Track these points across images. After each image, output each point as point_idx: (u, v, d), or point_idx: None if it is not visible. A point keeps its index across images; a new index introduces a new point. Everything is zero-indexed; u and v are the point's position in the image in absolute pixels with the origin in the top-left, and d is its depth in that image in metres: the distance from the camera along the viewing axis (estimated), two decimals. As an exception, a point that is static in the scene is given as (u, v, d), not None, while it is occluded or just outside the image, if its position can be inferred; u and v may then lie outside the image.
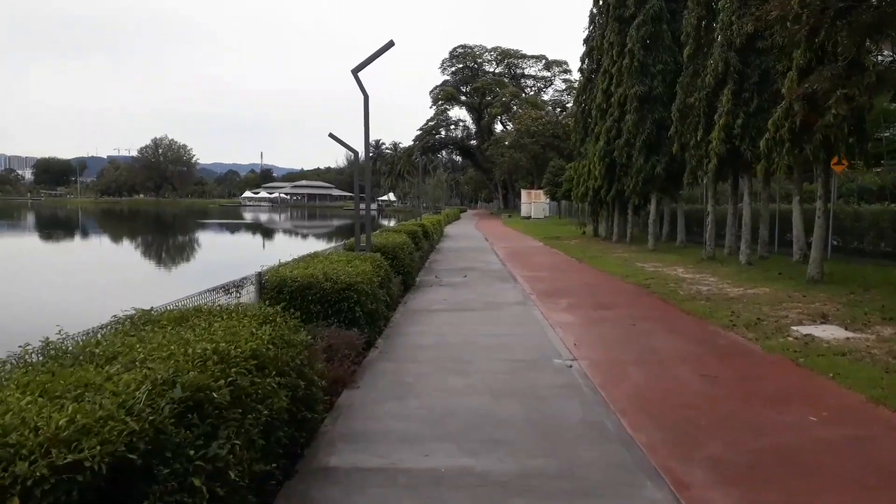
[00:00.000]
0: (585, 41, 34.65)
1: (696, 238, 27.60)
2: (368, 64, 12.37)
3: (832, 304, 12.31)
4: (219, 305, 5.63)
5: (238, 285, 8.23)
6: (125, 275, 27.05)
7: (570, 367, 7.91)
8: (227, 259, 36.90)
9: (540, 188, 67.97)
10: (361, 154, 13.54)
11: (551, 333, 9.84)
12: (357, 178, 13.60)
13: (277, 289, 8.38)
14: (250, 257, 30.75)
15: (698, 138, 19.76)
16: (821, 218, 14.60)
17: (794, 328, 10.24)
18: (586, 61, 34.51)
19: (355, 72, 12.60)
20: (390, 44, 12.34)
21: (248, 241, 55.64)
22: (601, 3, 31.52)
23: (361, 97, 12.30)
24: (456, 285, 15.86)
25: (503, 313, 11.77)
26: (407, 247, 15.43)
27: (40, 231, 63.95)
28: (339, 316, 8.42)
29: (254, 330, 4.79)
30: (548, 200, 66.81)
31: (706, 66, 19.41)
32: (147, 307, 5.30)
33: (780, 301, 12.75)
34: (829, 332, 9.96)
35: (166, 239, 56.12)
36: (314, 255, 10.77)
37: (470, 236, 38.52)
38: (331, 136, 13.37)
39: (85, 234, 62.61)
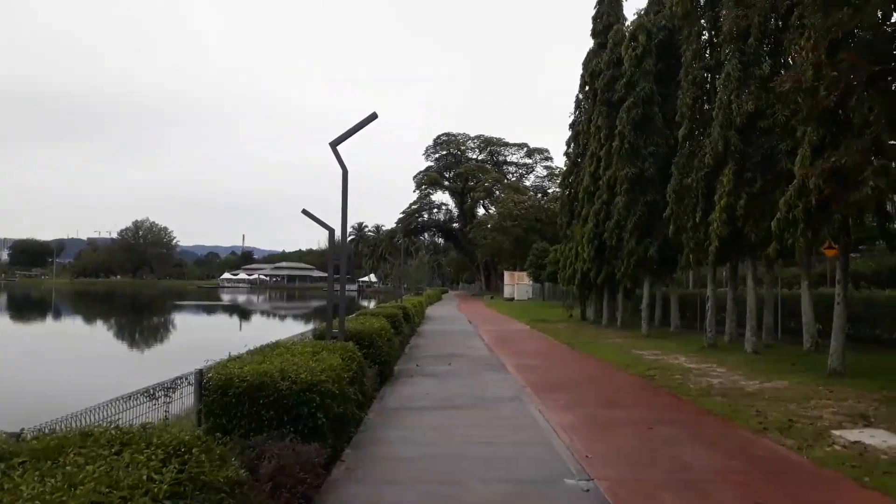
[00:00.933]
0: (571, 126, 34.43)
1: (690, 323, 26.30)
2: (349, 137, 11.31)
3: (866, 401, 10.86)
4: (115, 428, 4.00)
5: (169, 387, 6.62)
6: (56, 362, 24.82)
7: (588, 490, 6.29)
8: (185, 344, 34.64)
9: (523, 270, 67.03)
10: (338, 232, 12.19)
11: (556, 441, 8.22)
12: (332, 257, 12.20)
13: (222, 390, 6.78)
14: (212, 343, 28.77)
15: (696, 220, 18.76)
16: (840, 304, 13.35)
17: (836, 433, 8.73)
18: (572, 145, 34.16)
19: (334, 145, 11.50)
20: (373, 116, 11.28)
21: (215, 324, 53.31)
22: (587, 88, 31.40)
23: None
24: (440, 375, 14.21)
25: (496, 412, 10.13)
26: (385, 332, 13.88)
27: None
28: (298, 424, 6.79)
29: (152, 474, 3.20)
30: (531, 282, 65.76)
31: (703, 146, 18.64)
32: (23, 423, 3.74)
33: (806, 397, 11.27)
34: (880, 439, 8.46)
35: (123, 321, 53.42)
36: (275, 346, 9.18)
37: (453, 318, 36.94)
38: (304, 212, 12.04)
39: (38, 315, 59.76)
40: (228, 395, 6.78)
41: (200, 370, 7.02)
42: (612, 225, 25.01)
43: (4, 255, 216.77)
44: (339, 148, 11.04)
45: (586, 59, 30.72)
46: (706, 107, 19.98)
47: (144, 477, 3.12)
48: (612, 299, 30.72)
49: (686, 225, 19.41)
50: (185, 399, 6.88)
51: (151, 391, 6.06)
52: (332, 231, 12.17)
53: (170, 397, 6.32)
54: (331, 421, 7.19)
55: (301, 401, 6.82)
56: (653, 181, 23.66)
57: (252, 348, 8.67)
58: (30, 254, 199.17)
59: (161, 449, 3.57)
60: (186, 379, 6.89)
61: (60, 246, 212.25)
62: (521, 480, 6.63)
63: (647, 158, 23.70)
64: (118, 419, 5.24)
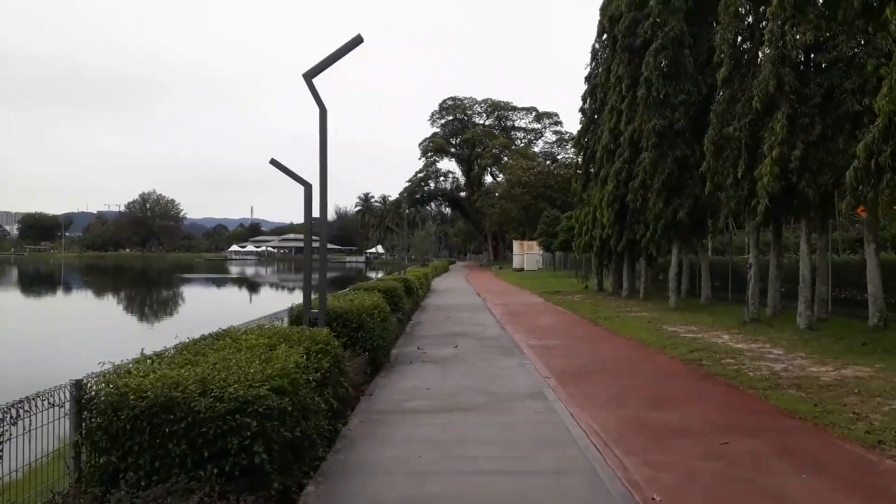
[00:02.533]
0: (587, 79, 31.64)
1: (719, 294, 23.91)
2: (327, 66, 8.99)
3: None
4: None
5: (24, 407, 4.37)
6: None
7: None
8: (178, 317, 32.77)
9: (533, 239, 64.55)
10: (316, 188, 9.84)
11: (602, 467, 5.91)
12: (308, 220, 9.85)
13: (111, 413, 4.53)
14: (212, 315, 26.70)
15: (738, 175, 16.24)
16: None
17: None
18: (588, 101, 31.42)
19: (309, 77, 9.15)
20: (357, 39, 8.87)
21: (218, 296, 51.45)
22: (605, 36, 28.55)
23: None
24: (444, 361, 11.93)
25: (514, 417, 7.83)
26: (380, 312, 11.57)
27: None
28: (224, 462, 4.52)
29: None
30: (541, 252, 63.30)
31: (748, 90, 16.04)
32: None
33: (904, 390, 8.94)
34: None
35: (125, 293, 52.05)
36: (223, 335, 6.89)
37: (460, 291, 34.67)
38: (273, 162, 9.67)
39: (42, 289, 58.14)
40: (120, 420, 4.52)
41: (79, 381, 4.73)
42: (636, 185, 22.47)
43: (13, 230, 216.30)
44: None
45: (604, 2, 27.83)
46: (746, 45, 17.34)
47: None
48: (631, 268, 28.32)
49: (726, 182, 16.90)
50: (56, 430, 4.59)
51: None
52: (308, 186, 9.82)
53: (11, 419, 4.04)
54: (280, 451, 4.92)
55: (228, 428, 4.53)
56: (682, 134, 21.09)
57: (185, 341, 6.38)
58: (38, 228, 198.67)
59: None
60: (63, 389, 4.65)
61: (69, 220, 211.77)
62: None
63: (677, 108, 21.07)
64: None
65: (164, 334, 7.88)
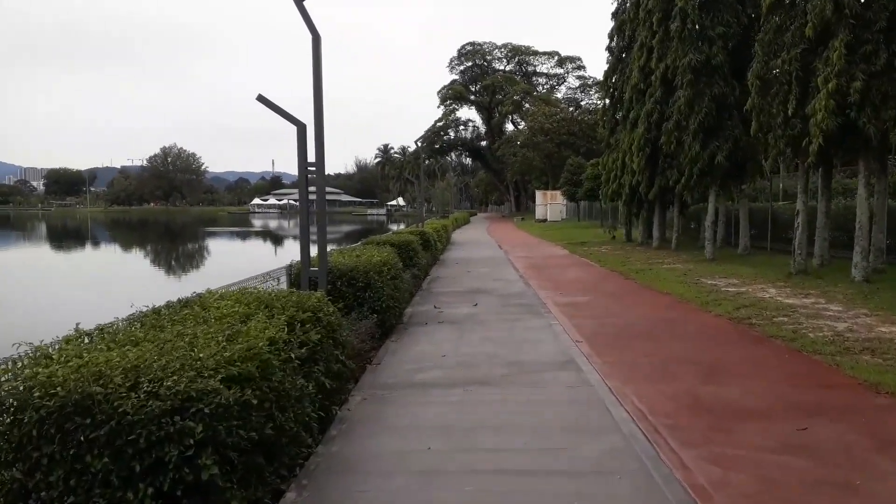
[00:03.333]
0: (614, 15, 29.45)
1: (758, 243, 22.38)
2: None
3: None
4: None
5: None
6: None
7: None
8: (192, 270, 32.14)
9: (556, 189, 62.74)
10: (311, 127, 8.58)
11: (658, 466, 4.72)
12: (302, 164, 8.61)
13: (13, 415, 3.44)
14: (232, 268, 25.88)
15: (789, 113, 14.58)
16: None
17: None
18: (615, 38, 29.31)
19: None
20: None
21: (243, 249, 51.01)
22: (633, -34, 26.36)
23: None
24: (462, 322, 10.78)
25: (544, 394, 6.65)
26: (390, 269, 10.40)
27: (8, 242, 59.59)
28: (162, 478, 3.40)
29: None
30: (565, 202, 61.50)
31: (798, 16, 14.26)
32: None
33: None
34: None
35: (148, 247, 51.97)
36: (191, 302, 5.74)
37: (481, 243, 33.43)
38: (260, 99, 8.38)
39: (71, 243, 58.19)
40: (25, 424, 3.41)
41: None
42: (669, 127, 20.77)
43: (40, 185, 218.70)
44: None
45: (634, -72, 25.57)
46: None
47: None
48: (662, 217, 26.79)
49: (773, 120, 15.25)
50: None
51: None
52: (301, 127, 8.55)
53: None
54: (243, 458, 3.80)
55: (165, 434, 3.40)
56: (721, 70, 19.30)
57: (138, 311, 5.26)
58: (63, 183, 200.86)
59: None
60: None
61: (93, 175, 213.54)
62: None
63: (715, 42, 19.23)
64: None
65: (176, 290, 6.85)
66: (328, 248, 11.27)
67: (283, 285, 9.08)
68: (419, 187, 31.45)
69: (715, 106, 19.26)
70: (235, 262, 35.14)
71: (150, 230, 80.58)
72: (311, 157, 8.71)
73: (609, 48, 29.55)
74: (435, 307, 12.43)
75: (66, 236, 68.78)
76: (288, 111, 8.55)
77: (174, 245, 55.21)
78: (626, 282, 16.37)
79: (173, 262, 41.06)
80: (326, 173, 9.18)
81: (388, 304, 9.74)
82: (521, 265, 20.90)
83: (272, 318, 5.18)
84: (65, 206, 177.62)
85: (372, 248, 11.65)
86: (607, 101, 30.19)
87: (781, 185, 26.16)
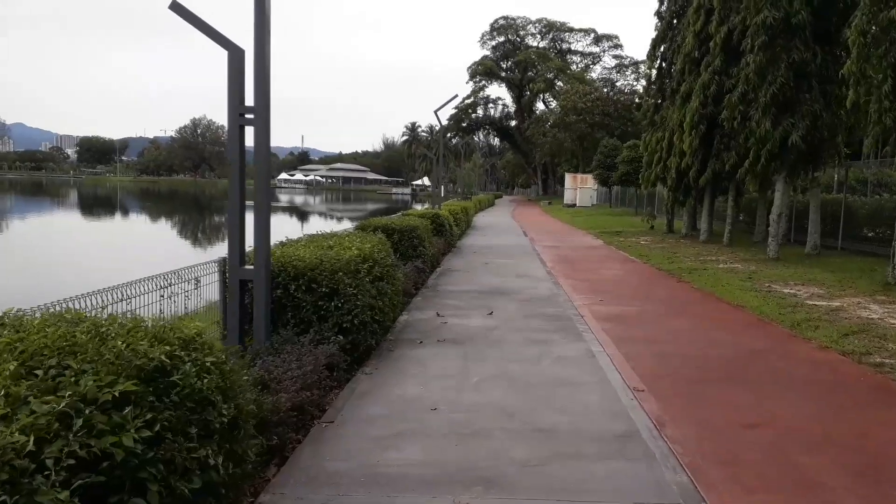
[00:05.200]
0: (664, -26, 26.04)
1: (826, 241, 19.04)
2: None
3: None
4: None
5: None
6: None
7: None
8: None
9: (587, 172, 59.25)
10: (249, 52, 5.72)
11: None
12: (234, 107, 5.77)
13: None
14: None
15: (903, 77, 11.36)
16: None
17: None
18: (665, 1, 25.92)
19: None
20: None
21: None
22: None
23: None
24: (470, 342, 7.89)
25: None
26: (373, 267, 7.51)
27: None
28: None
29: None
30: (596, 186, 57.98)
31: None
32: None
33: None
34: None
35: (169, 219, 50.13)
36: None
37: (504, 229, 30.43)
38: (174, 7, 5.51)
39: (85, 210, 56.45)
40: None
41: None
42: (733, 99, 17.47)
43: (73, 153, 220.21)
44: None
45: None
46: None
47: None
48: (711, 206, 23.51)
49: (881, 86, 12.00)
50: None
51: None
52: (236, 52, 5.69)
53: None
54: None
55: None
56: (802, 31, 15.94)
57: None
58: (95, 151, 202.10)
59: None
60: None
61: (125, 144, 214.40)
62: None
63: (797, -4, 15.87)
64: None
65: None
66: (299, 236, 8.47)
67: (211, 290, 6.29)
68: (436, 166, 28.44)
69: (792, 75, 15.95)
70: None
71: (171, 202, 79.20)
72: (250, 100, 5.87)
73: (658, 13, 26.09)
74: (438, 314, 9.56)
75: (88, 204, 67.60)
76: (231, 39, 5.70)
77: (176, 219, 53.20)
78: (680, 285, 13.32)
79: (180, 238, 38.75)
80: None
81: (365, 319, 6.88)
82: (549, 257, 17.93)
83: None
84: (96, 175, 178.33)
85: (354, 236, 8.75)
86: (654, 72, 26.80)
87: (843, 175, 22.73)
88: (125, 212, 61.28)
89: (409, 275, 10.52)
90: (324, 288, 6.52)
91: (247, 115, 5.92)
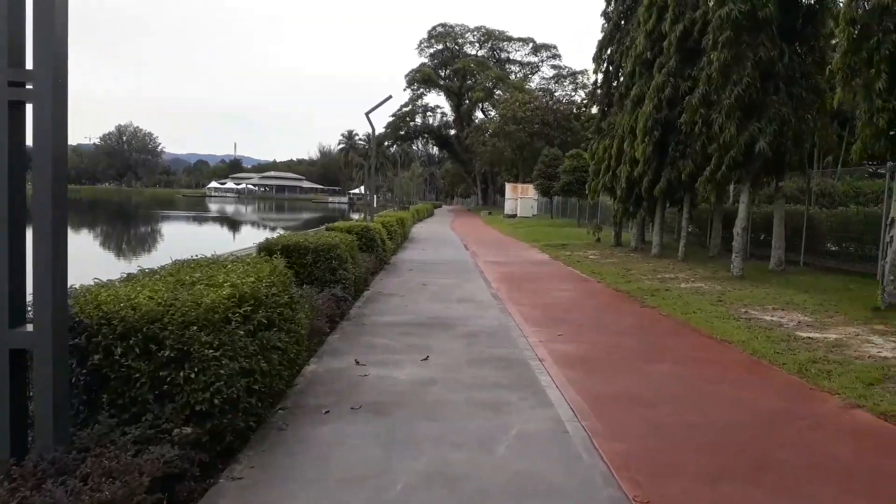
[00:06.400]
0: (611, -27, 24.67)
1: (790, 256, 17.72)
2: None
3: None
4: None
5: None
6: None
7: None
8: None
9: (528, 182, 58.06)
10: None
11: None
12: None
13: None
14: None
15: (898, 74, 9.87)
16: None
17: None
18: (613, 1, 24.52)
19: None
20: None
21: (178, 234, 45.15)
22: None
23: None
24: (396, 410, 5.70)
25: None
26: (264, 310, 5.22)
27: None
28: None
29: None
30: (537, 196, 56.80)
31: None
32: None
33: None
34: None
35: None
36: None
37: (443, 241, 28.42)
38: None
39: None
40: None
41: None
42: (693, 102, 15.97)
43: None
44: None
45: None
46: None
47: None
48: (662, 218, 22.10)
49: (871, 86, 10.51)
50: None
51: None
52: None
53: None
54: None
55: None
56: (769, 27, 14.54)
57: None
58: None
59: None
60: None
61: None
62: None
63: (763, -11, 14.45)
64: None
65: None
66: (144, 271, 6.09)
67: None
68: (368, 174, 26.18)
69: (758, 75, 14.51)
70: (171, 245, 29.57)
71: (91, 211, 74.03)
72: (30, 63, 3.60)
73: (605, 14, 24.69)
74: (357, 362, 7.34)
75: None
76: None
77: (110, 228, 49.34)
78: (646, 312, 11.49)
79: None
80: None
81: (236, 394, 4.61)
82: (494, 276, 15.95)
83: None
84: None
85: (241, 264, 6.39)
86: (600, 76, 25.37)
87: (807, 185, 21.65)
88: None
89: (321, 308, 8.26)
90: (168, 351, 4.24)
91: (27, 86, 3.63)
